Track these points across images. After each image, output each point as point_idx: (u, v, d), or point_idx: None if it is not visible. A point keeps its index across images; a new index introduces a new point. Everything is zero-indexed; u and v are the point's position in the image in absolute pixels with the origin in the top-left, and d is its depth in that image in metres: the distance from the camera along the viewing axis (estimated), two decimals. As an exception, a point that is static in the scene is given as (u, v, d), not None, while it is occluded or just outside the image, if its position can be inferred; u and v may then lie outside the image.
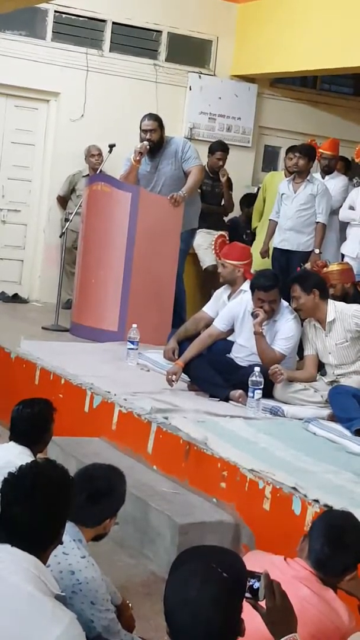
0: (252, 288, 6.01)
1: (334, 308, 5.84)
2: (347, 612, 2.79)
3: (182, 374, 6.09)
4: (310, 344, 5.96)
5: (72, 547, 2.90)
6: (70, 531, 2.84)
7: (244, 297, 6.21)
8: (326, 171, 8.66)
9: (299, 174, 8.07)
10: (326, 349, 5.89)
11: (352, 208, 8.06)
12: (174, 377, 6.02)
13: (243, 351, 6.16)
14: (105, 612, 2.91)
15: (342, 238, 8.60)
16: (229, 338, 6.31)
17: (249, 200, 9.78)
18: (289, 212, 8.08)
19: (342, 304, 5.99)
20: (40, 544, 2.44)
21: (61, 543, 2.56)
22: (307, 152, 8.11)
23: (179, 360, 6.11)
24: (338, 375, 5.85)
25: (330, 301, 5.92)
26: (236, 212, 9.86)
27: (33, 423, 4.09)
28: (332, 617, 2.73)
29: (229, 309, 6.29)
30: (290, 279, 6.05)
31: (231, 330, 6.25)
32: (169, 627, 2.01)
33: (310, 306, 5.84)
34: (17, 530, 2.40)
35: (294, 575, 2.76)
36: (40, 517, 2.43)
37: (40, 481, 2.49)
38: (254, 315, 5.93)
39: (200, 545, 2.29)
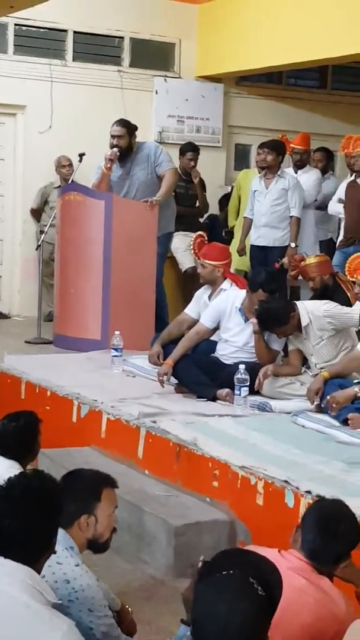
0: (253, 287, 6.02)
1: (306, 312, 5.81)
2: (344, 599, 2.80)
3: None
4: (293, 343, 5.97)
5: (66, 556, 2.89)
6: (62, 539, 2.83)
7: (230, 293, 6.27)
8: (299, 165, 8.67)
9: (269, 170, 8.08)
10: (308, 351, 5.89)
11: (341, 201, 8.07)
12: (164, 377, 6.03)
13: (228, 348, 6.17)
14: (104, 618, 2.89)
15: (318, 231, 8.64)
16: (212, 337, 6.32)
17: (227, 199, 9.79)
18: (263, 209, 8.09)
19: (310, 304, 5.93)
20: (32, 554, 2.43)
21: (54, 552, 2.56)
22: (275, 147, 8.10)
23: (169, 359, 6.10)
24: (321, 369, 5.83)
25: (299, 304, 5.89)
26: (214, 210, 9.88)
27: (19, 436, 4.11)
28: (329, 605, 2.73)
29: (215, 306, 6.29)
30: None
31: (216, 329, 6.26)
32: (192, 632, 1.98)
33: None
34: (9, 542, 2.40)
35: (288, 567, 2.75)
36: (31, 527, 2.42)
37: (30, 492, 2.48)
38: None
39: (241, 549, 2.19)
